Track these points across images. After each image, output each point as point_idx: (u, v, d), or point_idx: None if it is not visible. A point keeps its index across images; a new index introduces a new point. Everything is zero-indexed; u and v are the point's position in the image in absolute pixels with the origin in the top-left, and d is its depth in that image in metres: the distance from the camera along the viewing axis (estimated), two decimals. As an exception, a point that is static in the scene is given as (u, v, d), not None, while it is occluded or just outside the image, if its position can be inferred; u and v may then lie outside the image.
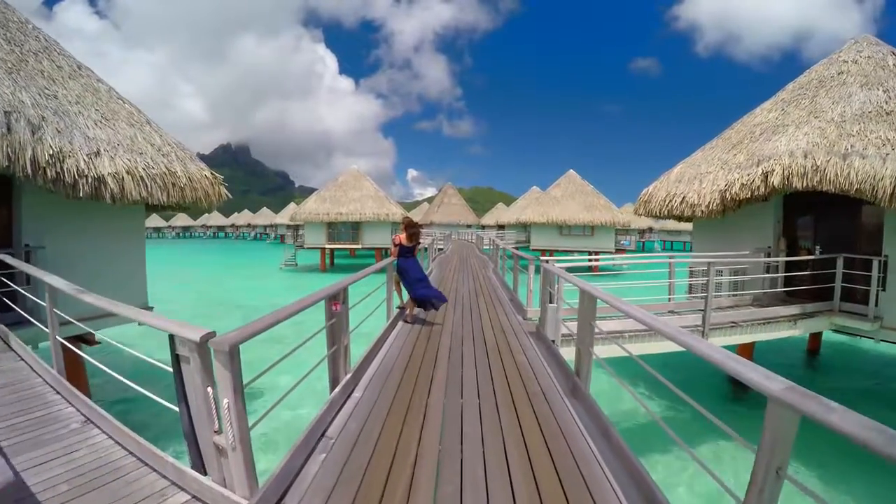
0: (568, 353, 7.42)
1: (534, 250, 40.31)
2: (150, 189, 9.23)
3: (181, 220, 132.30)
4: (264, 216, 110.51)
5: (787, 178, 10.32)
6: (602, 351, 8.01)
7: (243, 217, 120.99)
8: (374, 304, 7.59)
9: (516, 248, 17.29)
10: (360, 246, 40.62)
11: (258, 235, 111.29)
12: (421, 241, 9.03)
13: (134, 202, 9.13)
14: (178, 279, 34.81)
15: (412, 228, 8.53)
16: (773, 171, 10.56)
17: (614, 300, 4.19)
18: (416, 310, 8.74)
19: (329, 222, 39.83)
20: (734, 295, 11.23)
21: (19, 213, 8.73)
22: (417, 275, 8.53)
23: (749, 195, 11.05)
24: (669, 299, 10.83)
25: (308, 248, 41.16)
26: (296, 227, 44.59)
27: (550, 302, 7.32)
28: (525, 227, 46.01)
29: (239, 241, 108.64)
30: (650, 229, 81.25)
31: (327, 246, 40.37)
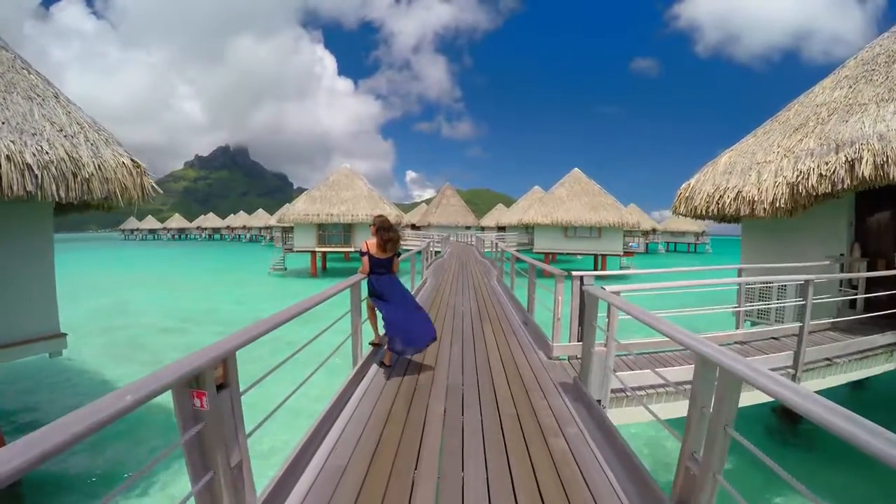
0: (620, 417, 5.06)
1: (537, 253, 37.94)
2: (39, 180, 6.80)
3: (176, 221, 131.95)
4: (260, 217, 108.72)
5: (882, 167, 8.01)
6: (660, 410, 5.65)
7: (239, 219, 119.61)
8: (337, 337, 5.24)
9: (518, 251, 14.94)
10: (352, 249, 37.98)
11: (253, 237, 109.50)
12: (402, 249, 6.53)
13: (17, 198, 6.69)
14: (157, 285, 32.99)
15: (387, 232, 6.01)
16: (862, 158, 8.23)
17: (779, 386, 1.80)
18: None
19: (319, 224, 37.32)
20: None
21: None
22: (398, 297, 6.05)
23: (829, 188, 8.69)
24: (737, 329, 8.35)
25: (298, 252, 38.65)
26: (287, 230, 42.24)
27: (589, 339, 4.89)
28: (527, 228, 43.53)
29: (234, 243, 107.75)
30: (654, 230, 79.35)
31: (318, 249, 37.90)
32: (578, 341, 6.32)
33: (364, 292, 5.95)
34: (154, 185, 8.10)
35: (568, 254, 40.13)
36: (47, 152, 6.99)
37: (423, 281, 14.97)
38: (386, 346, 5.97)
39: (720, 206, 10.62)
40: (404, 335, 5.69)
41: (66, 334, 8.65)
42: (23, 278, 8.04)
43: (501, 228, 60.61)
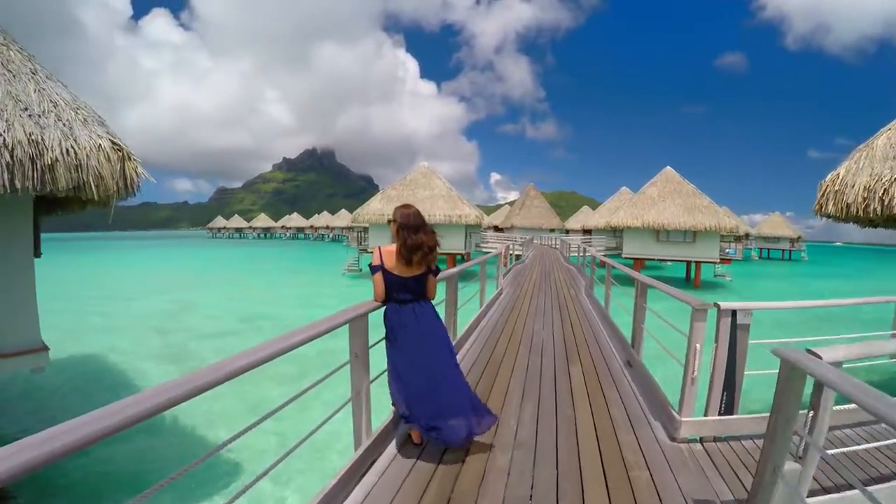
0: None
1: (626, 258, 34.80)
2: None
3: (262, 220, 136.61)
4: (342, 217, 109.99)
5: None
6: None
7: (322, 219, 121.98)
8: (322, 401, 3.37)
9: (606, 257, 12.54)
10: (427, 250, 36.06)
11: (336, 237, 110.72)
12: (436, 260, 3.90)
13: None
14: (226, 284, 32.82)
15: (414, 234, 3.64)
16: None
17: None
18: None
19: (395, 223, 35.59)
20: None
21: None
22: (425, 349, 3.74)
23: None
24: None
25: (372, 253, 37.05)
26: (363, 230, 40.99)
27: (777, 447, 2.63)
28: (615, 231, 40.27)
29: (316, 242, 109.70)
30: (746, 235, 73.38)
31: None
32: (723, 414, 4.04)
33: (374, 331, 3.80)
34: (142, 172, 6.41)
35: (659, 260, 36.59)
36: (1, 134, 5.48)
37: (497, 292, 12.78)
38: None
39: (886, 202, 7.94)
40: (425, 406, 3.59)
41: (47, 348, 7.33)
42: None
43: (587, 231, 57.55)
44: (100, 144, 6.01)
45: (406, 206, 3.80)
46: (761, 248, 74.39)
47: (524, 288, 14.75)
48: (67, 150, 5.80)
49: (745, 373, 3.92)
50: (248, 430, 2.15)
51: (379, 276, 3.74)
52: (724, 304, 3.74)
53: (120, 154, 6.13)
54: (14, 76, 6.29)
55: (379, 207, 36.03)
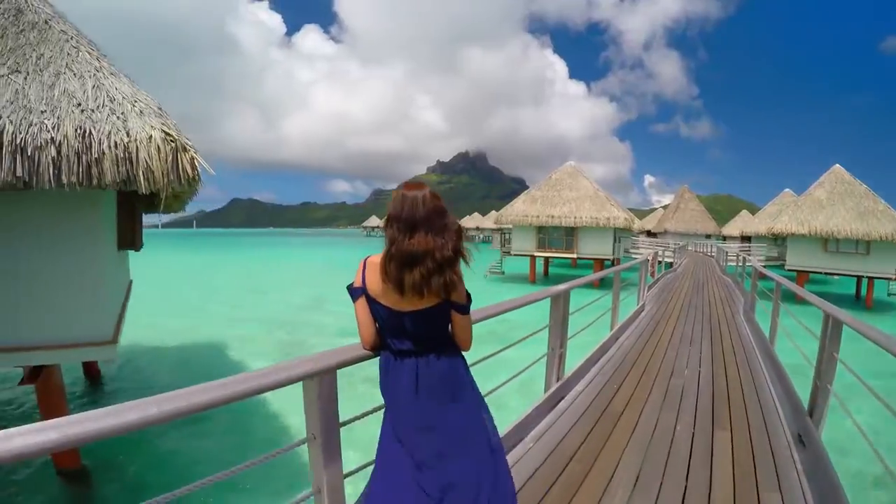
0: None
1: (789, 270, 30.16)
2: (36, 164, 5.11)
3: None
4: (492, 219, 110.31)
5: None
6: None
7: (473, 220, 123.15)
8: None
9: (766, 269, 10.34)
10: (574, 255, 34.29)
11: (487, 238, 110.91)
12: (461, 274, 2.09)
13: (8, 185, 5.10)
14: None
15: (409, 234, 1.95)
16: None
17: None
18: None
19: (539, 226, 34.26)
20: None
21: None
22: (437, 443, 2.05)
23: None
24: None
25: (516, 255, 35.90)
26: (508, 231, 39.95)
27: None
28: (776, 239, 35.63)
29: (465, 243, 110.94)
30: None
31: (536, 253, 34.76)
32: None
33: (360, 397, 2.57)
34: (201, 163, 5.75)
35: (825, 273, 31.11)
36: (48, 130, 5.24)
37: (637, 308, 10.83)
38: None
39: None
40: None
41: (116, 341, 7.34)
42: (66, 275, 6.80)
43: (746, 238, 52.42)
44: (150, 136, 5.42)
45: (409, 185, 2.07)
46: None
47: (671, 305, 12.65)
48: (116, 143, 5.31)
49: None
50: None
51: (361, 304, 2.13)
52: None
53: (173, 145, 5.48)
54: (75, 74, 6.16)
55: (523, 208, 34.95)
